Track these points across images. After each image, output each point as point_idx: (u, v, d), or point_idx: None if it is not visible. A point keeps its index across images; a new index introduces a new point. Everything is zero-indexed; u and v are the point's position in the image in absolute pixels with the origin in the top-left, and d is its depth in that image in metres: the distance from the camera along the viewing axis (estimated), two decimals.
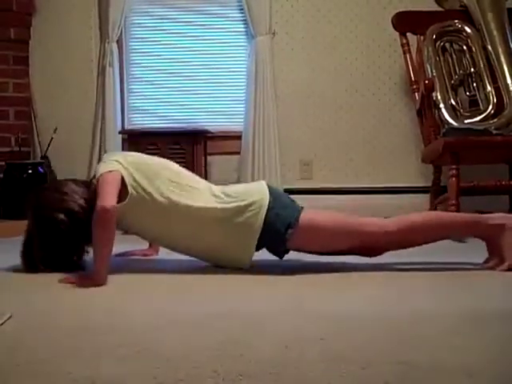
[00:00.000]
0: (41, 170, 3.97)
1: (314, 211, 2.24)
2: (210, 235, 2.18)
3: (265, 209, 2.14)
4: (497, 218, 2.21)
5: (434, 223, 2.25)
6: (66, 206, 2.15)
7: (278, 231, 2.14)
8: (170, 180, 2.21)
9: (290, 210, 2.18)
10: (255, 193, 2.20)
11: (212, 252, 2.23)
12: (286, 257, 2.24)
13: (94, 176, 2.21)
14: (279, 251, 2.23)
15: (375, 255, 2.25)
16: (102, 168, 2.18)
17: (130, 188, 2.15)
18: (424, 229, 2.22)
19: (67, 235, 2.15)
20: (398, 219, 2.23)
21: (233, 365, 1.18)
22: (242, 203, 2.15)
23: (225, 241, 2.18)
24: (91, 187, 2.18)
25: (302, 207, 2.21)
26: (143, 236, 2.35)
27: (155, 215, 2.18)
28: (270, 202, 2.15)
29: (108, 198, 2.05)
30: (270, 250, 2.24)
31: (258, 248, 2.20)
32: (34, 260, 2.18)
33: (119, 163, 2.19)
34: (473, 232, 2.27)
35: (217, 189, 2.24)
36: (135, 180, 2.17)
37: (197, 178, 2.34)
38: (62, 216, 2.13)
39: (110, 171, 2.14)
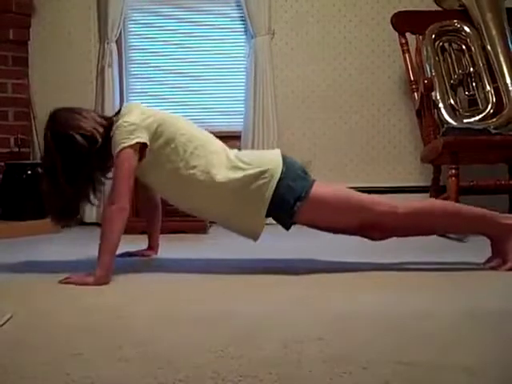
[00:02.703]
0: (40, 170, 3.97)
1: (325, 186, 2.21)
2: (221, 201, 2.18)
3: (276, 178, 2.12)
4: (509, 218, 2.20)
5: (442, 211, 2.22)
6: (84, 127, 2.19)
7: (287, 202, 2.13)
8: (188, 141, 2.20)
9: (301, 182, 2.16)
10: (269, 161, 2.18)
11: (224, 217, 2.24)
12: (287, 257, 2.24)
13: (119, 111, 2.27)
14: (286, 223, 2.22)
15: (380, 238, 2.23)
16: (123, 136, 2.14)
17: (148, 150, 2.16)
18: (432, 215, 2.19)
19: (82, 156, 2.17)
20: (409, 202, 2.21)
21: (233, 365, 1.18)
22: (255, 170, 2.14)
23: (235, 207, 2.17)
24: (111, 122, 2.22)
25: (315, 180, 2.20)
26: (157, 191, 2.38)
27: (169, 176, 2.19)
28: (282, 172, 2.14)
29: (124, 197, 2.07)
30: (277, 220, 2.23)
31: (266, 216, 2.18)
32: (61, 196, 2.19)
33: (139, 130, 2.16)
34: (483, 228, 2.22)
35: (232, 153, 2.23)
36: (156, 139, 2.17)
37: (213, 139, 2.32)
38: (77, 135, 2.17)
39: (130, 147, 2.12)
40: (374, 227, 2.18)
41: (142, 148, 2.16)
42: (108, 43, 4.31)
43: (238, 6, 4.39)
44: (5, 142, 4.18)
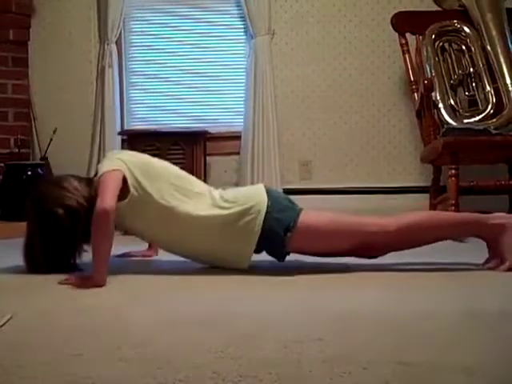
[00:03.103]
0: (40, 171, 3.97)
1: (313, 213, 2.22)
2: (208, 240, 2.18)
3: (263, 213, 2.13)
4: (497, 217, 2.21)
5: (435, 223, 2.23)
6: (66, 202, 2.14)
7: (277, 234, 2.14)
8: (171, 183, 2.21)
9: (288, 212, 2.17)
10: (254, 197, 2.19)
11: (210, 255, 2.23)
12: (287, 258, 2.24)
13: (96, 174, 2.21)
14: (279, 254, 2.23)
15: (375, 257, 2.25)
16: (105, 166, 2.17)
17: (131, 188, 2.15)
18: (425, 229, 2.21)
19: (66, 232, 2.14)
20: (398, 219, 2.22)
21: (232, 366, 1.18)
22: (241, 208, 2.15)
23: (223, 245, 2.18)
24: (93, 185, 2.18)
25: (301, 209, 2.21)
26: (142, 237, 2.35)
27: (154, 217, 2.18)
28: (268, 206, 2.15)
29: (108, 199, 2.04)
30: (270, 254, 2.24)
31: (257, 251, 2.20)
32: (35, 260, 2.17)
33: (122, 162, 2.18)
34: (473, 232, 2.25)
35: (216, 193, 2.24)
36: (137, 180, 2.17)
37: (197, 181, 2.34)
38: (60, 211, 2.12)
39: (113, 170, 2.14)
40: (367, 248, 2.20)
41: (123, 186, 2.13)
42: (108, 44, 4.31)
43: (237, 7, 4.39)
44: (5, 143, 4.18)
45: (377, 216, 2.28)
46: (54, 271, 2.12)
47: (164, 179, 2.21)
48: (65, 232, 2.14)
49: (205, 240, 2.19)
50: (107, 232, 2.04)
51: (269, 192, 2.22)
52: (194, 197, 2.21)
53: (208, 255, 2.24)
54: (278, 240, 2.15)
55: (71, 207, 2.14)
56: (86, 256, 2.20)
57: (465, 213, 2.34)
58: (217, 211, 2.17)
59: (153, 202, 2.16)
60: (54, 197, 2.17)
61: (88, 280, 2.00)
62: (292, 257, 2.26)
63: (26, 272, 2.20)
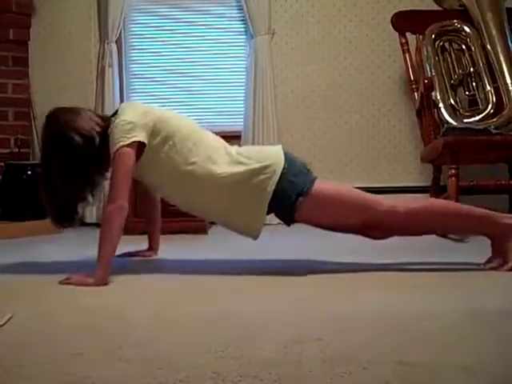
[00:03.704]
0: (40, 171, 3.97)
1: (327, 182, 2.21)
2: (222, 197, 2.17)
3: (278, 173, 2.12)
4: (509, 218, 2.20)
5: (444, 211, 2.21)
6: (82, 127, 2.18)
7: (289, 198, 2.12)
8: (187, 138, 2.20)
9: (303, 177, 2.16)
10: (270, 156, 2.17)
11: (224, 214, 2.22)
12: (287, 258, 2.24)
13: (115, 113, 2.24)
14: (287, 218, 2.21)
15: (380, 238, 2.23)
16: (120, 135, 2.13)
17: (146, 149, 2.15)
18: (433, 215, 2.19)
19: (81, 155, 2.16)
20: (408, 202, 2.21)
21: (233, 366, 1.18)
22: (256, 165, 2.13)
23: (236, 203, 2.16)
24: (108, 123, 2.20)
25: (316, 177, 2.20)
26: (156, 189, 2.36)
27: (169, 173, 2.18)
28: (284, 168, 2.13)
29: (120, 196, 2.05)
30: (278, 216, 2.22)
31: (268, 212, 2.18)
32: (54, 192, 2.18)
33: (142, 124, 2.15)
34: (482, 227, 2.21)
35: (232, 149, 2.23)
36: (153, 137, 2.16)
37: (214, 136, 2.31)
38: (76, 136, 2.15)
39: (129, 144, 2.11)
40: (375, 226, 2.18)
41: (139, 146, 2.15)
42: (108, 43, 4.31)
43: (237, 6, 4.39)
44: (5, 143, 4.18)
45: (390, 198, 2.26)
46: (72, 206, 2.17)
47: (179, 134, 2.19)
48: (79, 155, 2.16)
49: (218, 197, 2.18)
50: (116, 231, 2.05)
51: (286, 154, 2.20)
52: (211, 151, 2.19)
53: (221, 213, 2.23)
54: (289, 203, 2.13)
55: (85, 131, 2.17)
56: (89, 255, 2.20)
57: (478, 208, 2.24)
58: (231, 168, 2.15)
59: (168, 158, 2.16)
60: (69, 121, 2.20)
61: (89, 279, 2.00)
62: (292, 257, 2.26)
63: (52, 223, 2.23)
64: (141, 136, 2.14)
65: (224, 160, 2.17)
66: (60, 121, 2.22)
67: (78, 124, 2.18)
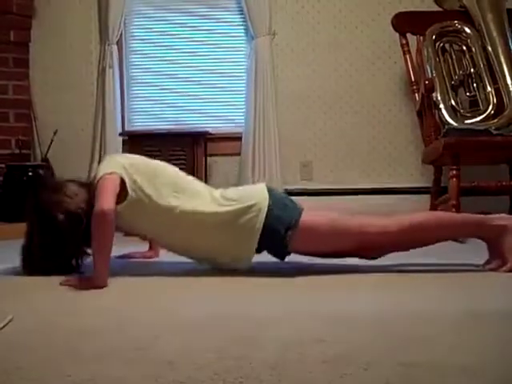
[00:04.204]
0: (41, 172, 3.98)
1: (314, 213, 2.23)
2: (209, 238, 2.18)
3: (265, 211, 2.13)
4: (499, 218, 2.20)
5: (436, 224, 2.23)
6: (66, 207, 2.15)
7: (278, 233, 2.13)
8: (170, 183, 2.21)
9: (290, 211, 2.17)
10: (255, 195, 2.19)
11: (211, 254, 2.23)
12: (287, 260, 2.24)
13: (95, 177, 2.22)
14: (280, 253, 2.23)
15: (375, 257, 2.25)
16: (102, 169, 2.18)
17: (129, 190, 2.15)
18: (426, 229, 2.20)
19: (67, 236, 2.14)
20: (399, 219, 2.21)
21: (233, 367, 1.18)
22: (242, 205, 2.15)
23: (224, 243, 2.18)
24: (92, 188, 2.18)
25: (303, 208, 2.21)
26: (143, 237, 2.35)
27: (154, 217, 2.18)
28: (269, 204, 2.15)
29: (106, 201, 2.04)
30: (271, 253, 2.24)
31: (258, 251, 2.20)
32: (34, 263, 2.18)
33: (120, 164, 2.19)
34: (475, 233, 2.24)
35: (217, 192, 2.24)
36: (135, 182, 2.17)
37: (197, 182, 2.34)
38: (61, 217, 2.13)
39: (110, 173, 2.14)
40: (368, 248, 2.19)
41: (121, 186, 2.13)
42: (109, 44, 4.32)
43: (238, 8, 4.40)
44: (6, 144, 4.19)
45: (378, 216, 2.28)
46: (54, 273, 2.13)
47: (163, 179, 2.21)
48: (66, 236, 2.14)
49: (205, 238, 2.18)
50: (107, 233, 2.05)
51: (270, 191, 2.22)
52: (194, 196, 2.21)
53: (209, 254, 2.23)
54: (279, 238, 2.14)
55: (71, 211, 2.14)
56: (91, 256, 2.20)
57: (466, 214, 2.33)
58: (218, 208, 2.16)
59: (152, 202, 2.16)
60: (53, 202, 2.17)
61: (89, 281, 2.00)
62: (292, 258, 2.26)
63: (24, 274, 2.20)
64: (121, 172, 2.15)
65: (209, 203, 2.18)
66: (44, 202, 2.19)
67: (63, 206, 2.15)
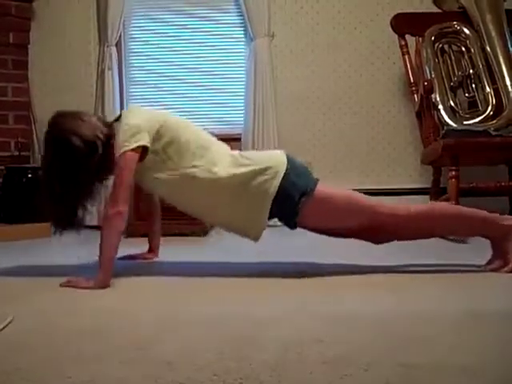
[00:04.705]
0: (40, 172, 3.97)
1: (329, 186, 2.22)
2: (224, 198, 2.16)
3: (281, 175, 2.12)
4: (507, 219, 2.20)
5: (444, 214, 2.21)
6: (83, 132, 2.16)
7: (292, 198, 2.12)
8: (190, 141, 2.20)
9: (305, 179, 2.16)
10: (273, 158, 2.18)
11: (226, 216, 2.21)
12: (286, 260, 2.24)
13: (119, 117, 2.24)
14: (291, 220, 2.20)
15: (381, 242, 2.23)
16: (128, 137, 2.12)
17: (150, 153, 2.15)
18: (434, 218, 2.19)
19: (82, 161, 2.15)
20: (409, 206, 2.21)
21: (233, 367, 1.18)
22: (259, 167, 2.14)
23: (238, 204, 2.16)
24: (111, 129, 2.20)
25: (318, 179, 2.20)
26: (157, 192, 2.35)
27: (171, 176, 2.17)
28: (286, 169, 2.13)
29: (122, 200, 2.05)
30: (282, 220, 2.21)
31: (270, 217, 2.17)
32: (55, 196, 2.17)
33: (141, 131, 2.14)
34: (481, 229, 2.22)
35: (235, 153, 2.23)
36: (157, 140, 2.16)
37: (215, 140, 2.32)
38: (77, 141, 2.14)
39: (132, 150, 2.10)
40: (375, 230, 2.18)
41: (143, 149, 2.15)
42: (108, 46, 4.31)
43: (237, 9, 4.40)
44: (5, 146, 4.19)
45: (390, 201, 2.27)
46: (71, 213, 2.15)
47: (181, 138, 2.20)
48: (81, 162, 2.15)
49: (221, 201, 2.17)
50: (117, 234, 2.05)
51: (289, 158, 2.21)
52: (214, 155, 2.20)
53: (222, 216, 2.22)
54: (291, 205, 2.12)
55: (88, 138, 2.15)
56: (89, 257, 2.20)
57: (474, 209, 2.26)
58: (235, 170, 2.15)
59: (172, 161, 2.16)
60: (71, 126, 2.18)
61: (90, 282, 2.00)
62: (292, 258, 2.26)
63: (54, 228, 2.21)
64: (145, 140, 2.14)
65: (227, 162, 2.17)
66: (63, 126, 2.20)
67: (80, 130, 2.17)
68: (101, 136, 2.18)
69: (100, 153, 2.15)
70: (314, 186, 2.14)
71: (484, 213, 2.22)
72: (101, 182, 2.25)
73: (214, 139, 2.32)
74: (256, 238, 2.21)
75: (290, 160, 2.19)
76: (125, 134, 2.13)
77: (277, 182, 2.11)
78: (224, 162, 2.17)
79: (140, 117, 2.21)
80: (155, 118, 2.22)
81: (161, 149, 2.17)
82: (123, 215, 2.05)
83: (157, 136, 2.17)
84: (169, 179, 2.19)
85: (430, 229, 2.23)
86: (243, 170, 2.14)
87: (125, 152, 2.10)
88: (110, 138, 2.17)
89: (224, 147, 2.29)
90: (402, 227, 2.18)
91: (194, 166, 2.16)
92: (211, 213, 2.25)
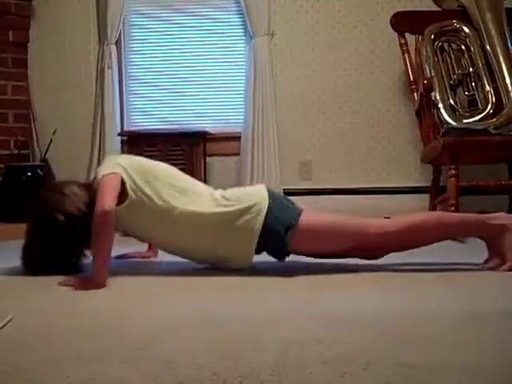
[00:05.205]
0: (40, 172, 3.98)
1: (313, 213, 2.23)
2: (209, 239, 2.18)
3: (264, 211, 2.14)
4: (498, 217, 2.20)
5: (435, 224, 2.23)
6: (66, 208, 2.15)
7: (278, 233, 2.14)
8: (170, 184, 2.21)
9: (289, 212, 2.18)
10: (255, 196, 2.19)
11: (212, 255, 2.23)
12: (286, 260, 2.24)
13: (95, 178, 2.22)
14: (279, 254, 2.23)
15: (375, 258, 2.25)
16: (103, 170, 2.18)
17: (129, 190, 2.15)
18: (425, 229, 2.20)
19: (66, 237, 2.15)
20: (398, 220, 2.22)
21: (233, 367, 1.18)
22: (242, 206, 2.15)
23: (224, 244, 2.18)
24: (92, 189, 2.18)
25: (302, 209, 2.21)
26: (142, 238, 2.35)
27: (154, 218, 2.18)
28: (269, 205, 2.15)
29: (107, 201, 2.05)
30: (271, 253, 2.24)
31: (258, 251, 2.20)
32: (35, 263, 2.18)
33: (120, 165, 2.19)
34: (474, 232, 2.25)
35: (216, 193, 2.24)
36: (135, 183, 2.17)
37: (197, 182, 2.34)
38: (61, 217, 2.13)
39: (111, 173, 2.14)
40: (367, 249, 2.20)
41: (120, 190, 2.14)
42: (107, 44, 4.31)
43: (237, 8, 4.40)
44: (5, 144, 4.19)
45: (378, 218, 2.29)
46: (54, 273, 2.13)
47: (163, 180, 2.21)
48: (65, 237, 2.15)
49: (205, 239, 2.19)
50: (107, 233, 2.05)
51: (270, 192, 2.22)
52: (195, 196, 2.21)
53: (209, 255, 2.23)
54: (278, 239, 2.15)
55: (71, 213, 2.15)
56: (90, 256, 2.20)
57: (465, 214, 2.33)
58: (218, 209, 2.17)
59: (152, 203, 2.16)
60: (53, 203, 2.18)
61: (88, 281, 2.00)
62: (291, 258, 2.26)
63: (24, 274, 2.20)
64: (121, 173, 2.15)
65: (209, 203, 2.18)
66: (45, 202, 2.20)
67: (63, 206, 2.15)
68: (84, 208, 2.15)
69: (84, 224, 2.11)
70: (298, 217, 2.16)
71: (474, 216, 2.25)
72: (88, 246, 2.19)
73: (194, 181, 2.34)
74: (246, 268, 2.21)
75: (271, 194, 2.21)
76: (102, 170, 2.18)
77: (261, 219, 2.13)
78: (206, 203, 2.19)
79: (115, 158, 2.29)
80: (130, 161, 2.25)
81: (138, 189, 2.17)
82: (109, 214, 2.03)
83: (134, 176, 2.18)
84: (151, 221, 2.18)
85: (422, 239, 2.24)
86: (226, 209, 2.16)
87: (104, 175, 2.12)
88: (92, 206, 2.10)
89: (205, 188, 2.30)
90: (393, 243, 2.19)
91: (176, 207, 2.16)
92: (197, 251, 2.24)
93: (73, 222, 2.14)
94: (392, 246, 2.20)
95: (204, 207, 2.17)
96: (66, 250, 2.18)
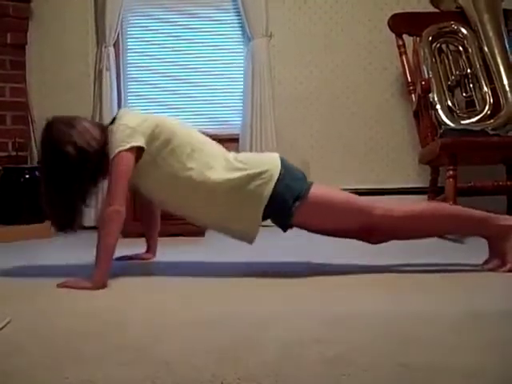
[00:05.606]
0: (38, 174, 3.97)
1: (323, 187, 2.22)
2: (218, 202, 2.16)
3: (275, 179, 2.13)
4: (505, 219, 2.20)
5: (441, 214, 2.21)
6: (75, 141, 2.16)
7: (286, 202, 2.12)
8: (185, 143, 2.20)
9: (300, 183, 2.17)
10: (267, 163, 2.18)
11: (220, 220, 2.21)
12: (285, 260, 2.24)
13: (113, 120, 2.23)
14: (284, 223, 2.21)
15: (377, 242, 2.23)
16: (123, 137, 2.13)
17: (145, 154, 2.15)
18: (430, 218, 2.19)
19: (75, 169, 2.15)
20: (405, 205, 2.21)
21: (231, 368, 1.18)
22: (253, 171, 2.14)
23: (232, 208, 2.16)
24: (106, 132, 2.19)
25: (313, 182, 2.20)
26: (152, 196, 2.34)
27: (166, 179, 2.17)
28: (281, 173, 2.14)
29: (119, 199, 2.05)
30: (275, 222, 2.22)
31: (263, 218, 2.18)
32: (53, 201, 2.19)
33: (137, 132, 2.15)
34: (478, 229, 2.22)
35: (230, 156, 2.23)
36: (152, 142, 2.16)
37: (212, 142, 2.32)
38: (70, 149, 2.14)
39: (128, 150, 2.11)
40: (372, 230, 2.18)
41: (138, 151, 2.15)
42: (106, 46, 4.31)
43: (235, 9, 4.40)
44: (3, 146, 4.18)
45: (386, 201, 2.27)
46: (68, 216, 2.17)
47: (176, 141, 2.20)
48: (75, 169, 2.15)
49: (214, 202, 2.17)
50: (114, 235, 2.05)
51: (283, 161, 2.21)
52: (207, 157, 2.20)
53: (216, 219, 2.22)
54: (285, 208, 2.13)
55: (81, 146, 2.16)
56: (87, 258, 2.19)
57: (472, 209, 2.25)
58: (229, 175, 2.15)
59: (166, 164, 2.16)
60: (63, 135, 2.18)
61: (87, 283, 1.99)
62: (291, 258, 2.26)
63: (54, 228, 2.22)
64: (140, 141, 2.14)
65: (221, 166, 2.18)
66: (56, 133, 2.21)
67: (73, 139, 2.17)
68: (93, 143, 2.17)
69: (93, 158, 2.14)
70: (308, 189, 2.15)
71: (481, 212, 2.21)
72: (95, 184, 2.23)
73: (209, 140, 2.32)
74: (250, 240, 2.21)
75: (284, 163, 2.20)
76: (120, 134, 2.14)
77: (271, 186, 2.12)
78: (219, 166, 2.18)
79: (135, 118, 2.21)
80: (150, 119, 2.22)
81: (155, 151, 2.17)
82: (121, 214, 2.04)
83: (152, 137, 2.17)
84: (163, 181, 2.19)
85: (427, 228, 2.22)
86: (238, 174, 2.15)
87: (120, 152, 2.10)
88: (104, 140, 2.16)
89: (218, 149, 2.28)
90: (398, 228, 2.18)
91: (189, 169, 2.16)
92: (204, 215, 2.24)
93: (81, 155, 2.15)
94: (396, 230, 2.18)
95: (217, 173, 2.16)
96: (76, 184, 2.18)
